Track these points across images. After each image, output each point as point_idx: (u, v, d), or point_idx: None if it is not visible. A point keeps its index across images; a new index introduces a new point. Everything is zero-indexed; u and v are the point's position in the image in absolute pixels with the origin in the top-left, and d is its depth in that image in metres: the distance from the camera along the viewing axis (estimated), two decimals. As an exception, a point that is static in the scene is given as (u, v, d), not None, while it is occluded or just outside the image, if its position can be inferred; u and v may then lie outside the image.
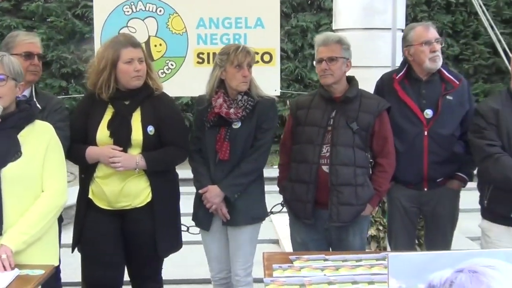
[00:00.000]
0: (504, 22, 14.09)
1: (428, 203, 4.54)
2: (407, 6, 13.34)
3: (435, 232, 4.65)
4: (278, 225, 7.39)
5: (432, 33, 4.44)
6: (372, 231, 6.46)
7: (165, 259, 4.33)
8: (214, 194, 4.20)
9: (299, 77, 13.39)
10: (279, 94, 6.27)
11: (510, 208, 3.91)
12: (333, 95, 4.18)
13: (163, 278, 4.44)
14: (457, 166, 4.49)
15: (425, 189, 4.49)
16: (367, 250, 4.99)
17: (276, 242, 7.35)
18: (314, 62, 4.27)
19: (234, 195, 4.21)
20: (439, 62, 4.42)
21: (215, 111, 4.21)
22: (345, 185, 4.06)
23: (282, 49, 13.14)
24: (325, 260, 3.36)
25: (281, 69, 13.13)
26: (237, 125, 4.21)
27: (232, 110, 4.17)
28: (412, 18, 13.33)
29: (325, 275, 3.09)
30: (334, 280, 3.01)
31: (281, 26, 13.37)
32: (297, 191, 4.17)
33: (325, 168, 4.09)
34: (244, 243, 4.32)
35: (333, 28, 7.28)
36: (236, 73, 4.17)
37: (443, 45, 4.55)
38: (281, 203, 5.26)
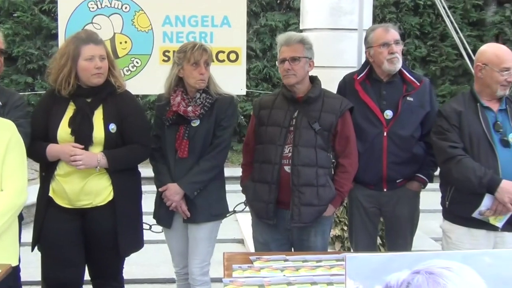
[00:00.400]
0: (471, 25, 14.23)
1: (387, 204, 4.55)
2: (375, 7, 13.49)
3: (395, 233, 4.67)
4: (243, 225, 7.38)
5: (391, 35, 4.45)
6: (336, 231, 6.49)
7: (129, 258, 4.30)
8: (173, 191, 4.21)
9: (268, 76, 13.40)
10: (245, 93, 6.28)
11: (471, 209, 3.95)
12: (295, 95, 4.17)
13: (127, 277, 4.41)
14: (416, 167, 4.50)
15: (385, 190, 4.51)
16: (330, 250, 5.00)
17: (241, 241, 7.34)
18: (277, 62, 4.26)
19: (194, 192, 4.23)
20: (398, 64, 4.42)
21: (174, 109, 4.23)
22: (306, 186, 4.05)
23: (250, 48, 13.18)
24: (285, 260, 3.35)
25: (249, 68, 13.29)
26: (196, 123, 4.23)
27: (190, 108, 4.19)
28: (380, 19, 13.41)
29: (284, 275, 3.08)
30: (293, 281, 3.00)
31: (250, 25, 13.44)
32: (259, 191, 4.16)
33: (287, 169, 4.08)
34: (202, 241, 4.32)
35: (301, 28, 7.29)
36: (193, 71, 4.19)
37: (404, 47, 4.57)
38: (244, 202, 5.26)
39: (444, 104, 4.41)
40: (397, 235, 4.64)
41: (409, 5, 13.86)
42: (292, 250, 4.26)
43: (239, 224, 7.61)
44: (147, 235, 4.57)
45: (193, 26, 5.69)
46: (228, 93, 4.38)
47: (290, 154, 4.08)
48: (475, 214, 3.94)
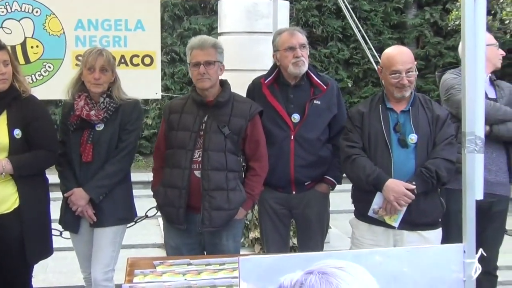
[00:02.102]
0: (392, 28, 14.54)
1: (297, 206, 4.60)
2: (298, 11, 13.63)
3: (305, 234, 4.72)
4: (164, 229, 7.34)
5: (297, 38, 4.49)
6: (256, 234, 6.53)
7: (46, 266, 4.25)
8: (79, 196, 4.20)
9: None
10: (160, 97, 6.26)
11: (368, 207, 4.05)
12: (205, 99, 4.17)
13: (44, 285, 4.36)
14: (324, 170, 4.56)
15: (294, 192, 4.55)
16: (244, 253, 5.02)
17: (162, 246, 7.29)
18: (189, 66, 4.26)
19: (99, 196, 4.22)
20: (303, 67, 4.46)
21: (77, 113, 4.22)
22: (217, 190, 4.06)
23: (175, 52, 13.16)
24: (189, 264, 3.37)
25: (174, 71, 13.24)
26: (100, 127, 4.24)
27: (93, 112, 4.20)
28: (303, 22, 13.56)
29: (186, 279, 3.10)
30: (194, 285, 3.02)
31: (174, 29, 13.42)
32: (169, 196, 4.14)
33: (197, 173, 4.08)
34: (106, 245, 4.30)
35: (219, 32, 7.33)
36: (88, 75, 4.21)
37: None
38: (155, 207, 5.24)
39: (352, 106, 4.50)
40: (308, 236, 4.69)
41: (331, 8, 14.03)
42: (205, 253, 4.26)
43: (161, 229, 7.55)
44: (64, 242, 4.51)
45: (107, 30, 5.63)
46: (133, 98, 4.38)
47: (200, 159, 4.08)
48: (370, 213, 4.05)
